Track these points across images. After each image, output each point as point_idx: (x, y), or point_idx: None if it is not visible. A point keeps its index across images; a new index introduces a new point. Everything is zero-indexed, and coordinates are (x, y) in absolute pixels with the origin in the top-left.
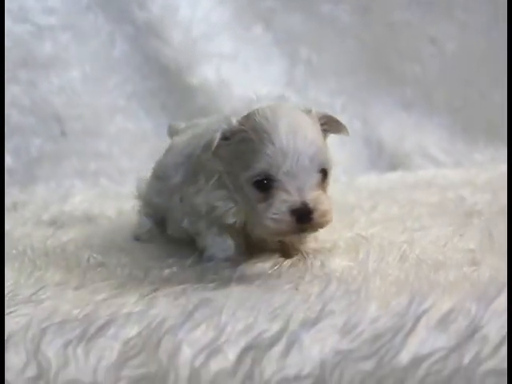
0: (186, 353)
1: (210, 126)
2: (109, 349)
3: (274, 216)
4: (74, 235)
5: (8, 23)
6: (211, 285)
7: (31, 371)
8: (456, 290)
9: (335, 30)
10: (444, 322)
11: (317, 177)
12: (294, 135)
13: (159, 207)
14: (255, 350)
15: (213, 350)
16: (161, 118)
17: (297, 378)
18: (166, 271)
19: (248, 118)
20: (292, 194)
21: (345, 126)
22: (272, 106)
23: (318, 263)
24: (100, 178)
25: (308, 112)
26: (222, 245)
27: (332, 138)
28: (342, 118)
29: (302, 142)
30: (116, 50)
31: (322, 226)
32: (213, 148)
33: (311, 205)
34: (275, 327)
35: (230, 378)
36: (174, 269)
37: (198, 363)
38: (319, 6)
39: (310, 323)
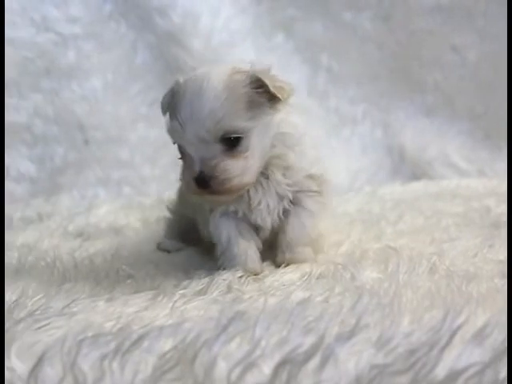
0: (222, 367)
1: None
2: (144, 362)
3: (184, 178)
4: (102, 247)
5: (31, 32)
6: (242, 297)
7: None
8: (489, 303)
9: (356, 37)
10: (479, 336)
11: (218, 146)
12: (192, 108)
13: (184, 215)
14: (291, 364)
15: (248, 363)
16: None
17: None
18: (195, 283)
19: (181, 83)
20: (195, 162)
21: (275, 92)
22: (198, 73)
23: (347, 275)
24: (123, 187)
25: (239, 73)
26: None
27: (354, 145)
28: (364, 126)
29: (199, 113)
30: (138, 58)
31: (223, 192)
32: (161, 107)
33: (209, 173)
34: (310, 341)
35: None
36: (204, 280)
37: (234, 377)
38: (340, 14)
39: (345, 337)
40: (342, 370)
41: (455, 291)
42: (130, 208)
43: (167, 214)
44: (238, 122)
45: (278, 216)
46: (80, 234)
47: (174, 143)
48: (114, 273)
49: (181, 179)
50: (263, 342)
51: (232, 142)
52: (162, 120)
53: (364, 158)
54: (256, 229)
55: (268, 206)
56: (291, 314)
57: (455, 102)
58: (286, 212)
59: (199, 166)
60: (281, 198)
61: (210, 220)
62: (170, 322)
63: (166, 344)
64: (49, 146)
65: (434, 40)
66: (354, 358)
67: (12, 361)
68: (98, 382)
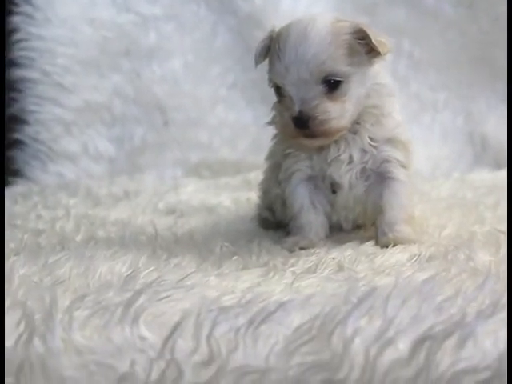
0: (358, 343)
1: None
2: (275, 336)
3: (281, 120)
4: (197, 224)
5: (112, 13)
6: (356, 276)
7: (201, 356)
8: None
9: (439, 23)
10: None
11: (320, 88)
12: (297, 50)
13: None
14: (429, 341)
15: (384, 340)
16: (261, 110)
17: (475, 370)
18: (303, 261)
19: (280, 29)
20: (295, 102)
21: (376, 45)
22: (301, 18)
23: (461, 256)
24: (201, 169)
25: (342, 22)
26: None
27: (435, 133)
28: (445, 113)
29: (304, 55)
30: (218, 40)
31: (321, 133)
32: (257, 54)
33: (308, 113)
34: (446, 319)
35: (405, 369)
36: (312, 258)
37: (372, 353)
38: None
39: (484, 316)
40: (481, 349)
41: None
42: (217, 187)
43: (257, 199)
44: (340, 66)
45: (356, 177)
46: (172, 212)
47: (272, 86)
48: (217, 249)
49: (276, 122)
50: (397, 320)
51: (332, 85)
52: (241, 103)
53: (445, 146)
54: (333, 192)
55: (350, 157)
56: (420, 292)
57: None
58: (374, 187)
59: (299, 105)
60: (364, 153)
61: (288, 183)
62: (289, 297)
63: (296, 318)
64: (128, 126)
65: None
66: (493, 336)
67: (141, 330)
68: (231, 353)
